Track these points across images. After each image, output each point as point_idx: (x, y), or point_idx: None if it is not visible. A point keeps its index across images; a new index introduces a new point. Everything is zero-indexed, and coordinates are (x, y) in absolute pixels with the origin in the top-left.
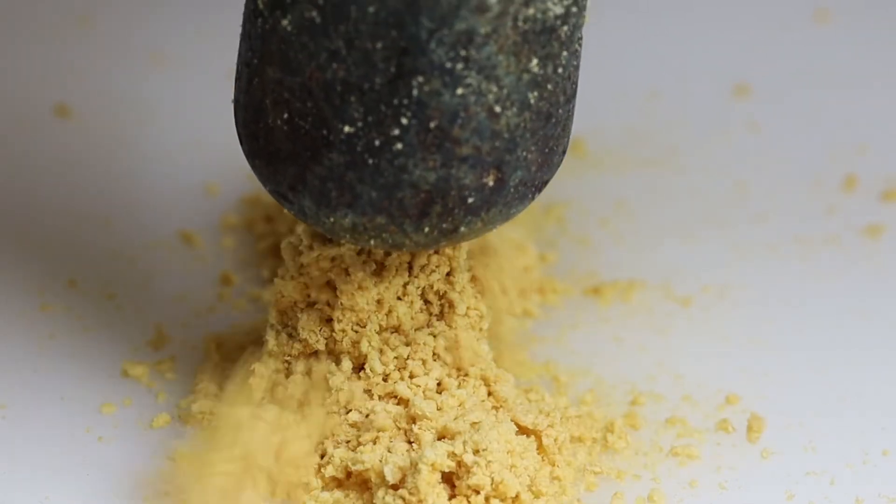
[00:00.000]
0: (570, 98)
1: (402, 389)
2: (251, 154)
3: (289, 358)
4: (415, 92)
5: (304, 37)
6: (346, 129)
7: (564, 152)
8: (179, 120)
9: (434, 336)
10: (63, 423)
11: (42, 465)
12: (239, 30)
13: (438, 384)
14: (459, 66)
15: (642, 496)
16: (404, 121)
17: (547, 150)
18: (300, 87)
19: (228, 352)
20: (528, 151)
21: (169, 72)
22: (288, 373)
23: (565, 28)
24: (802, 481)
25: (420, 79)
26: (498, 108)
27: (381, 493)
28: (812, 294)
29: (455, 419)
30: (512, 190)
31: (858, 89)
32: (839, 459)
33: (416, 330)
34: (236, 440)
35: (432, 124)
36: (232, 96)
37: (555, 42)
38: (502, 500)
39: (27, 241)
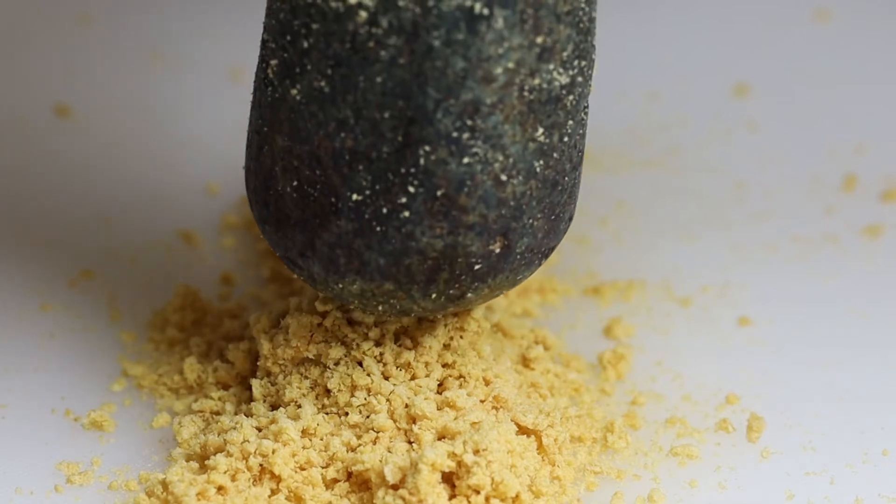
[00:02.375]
0: (577, 165)
1: (402, 390)
2: (261, 220)
3: (283, 362)
4: (422, 161)
5: (313, 106)
6: (355, 196)
7: (571, 219)
8: (179, 120)
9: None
10: (63, 424)
11: (41, 465)
12: (238, 29)
13: (440, 385)
14: (466, 135)
15: (642, 496)
16: (411, 189)
17: (553, 217)
18: (309, 156)
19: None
20: (535, 219)
21: (169, 72)
22: (284, 376)
23: (571, 97)
24: (802, 481)
25: (427, 148)
26: (504, 177)
27: (381, 493)
28: (812, 294)
29: (455, 419)
30: (518, 257)
31: (858, 89)
32: (839, 459)
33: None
34: (235, 440)
35: (439, 192)
36: (232, 97)
37: (560, 111)
38: (502, 500)
39: (27, 241)
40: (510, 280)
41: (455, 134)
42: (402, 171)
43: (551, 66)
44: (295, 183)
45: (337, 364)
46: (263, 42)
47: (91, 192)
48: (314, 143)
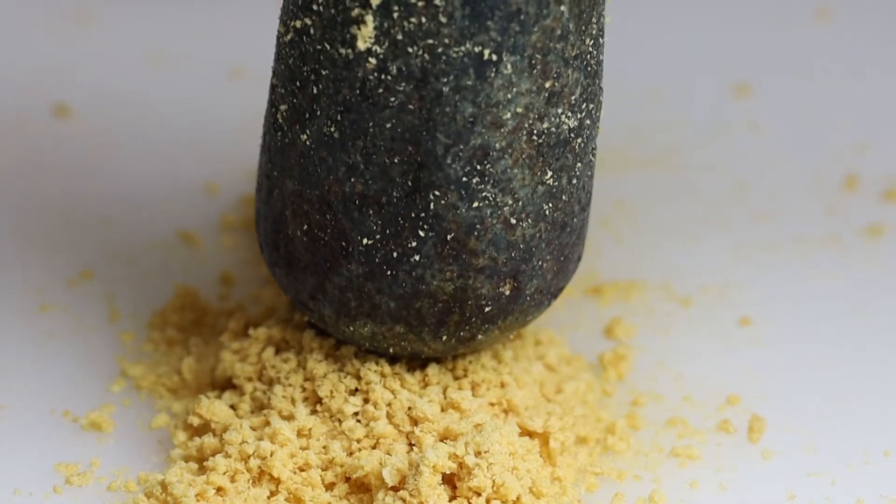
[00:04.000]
0: (585, 207)
1: (405, 395)
2: (272, 263)
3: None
4: (432, 205)
5: (323, 151)
6: (365, 241)
7: (580, 259)
8: (179, 120)
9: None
10: (62, 424)
11: (40, 466)
12: (238, 29)
13: (444, 389)
14: (475, 180)
15: (643, 497)
16: (422, 233)
17: (562, 259)
18: (319, 200)
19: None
20: (544, 261)
21: (169, 72)
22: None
23: (579, 140)
24: (803, 482)
25: (436, 193)
26: (514, 220)
27: (380, 495)
28: (813, 294)
29: (458, 421)
30: (528, 298)
31: (859, 88)
32: (840, 460)
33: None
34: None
35: (449, 236)
36: (232, 97)
37: (569, 154)
38: (503, 502)
39: (27, 241)
40: (520, 321)
41: (465, 179)
42: (413, 215)
43: (560, 110)
44: (305, 227)
45: (325, 376)
46: (272, 87)
47: (90, 192)
48: (324, 188)
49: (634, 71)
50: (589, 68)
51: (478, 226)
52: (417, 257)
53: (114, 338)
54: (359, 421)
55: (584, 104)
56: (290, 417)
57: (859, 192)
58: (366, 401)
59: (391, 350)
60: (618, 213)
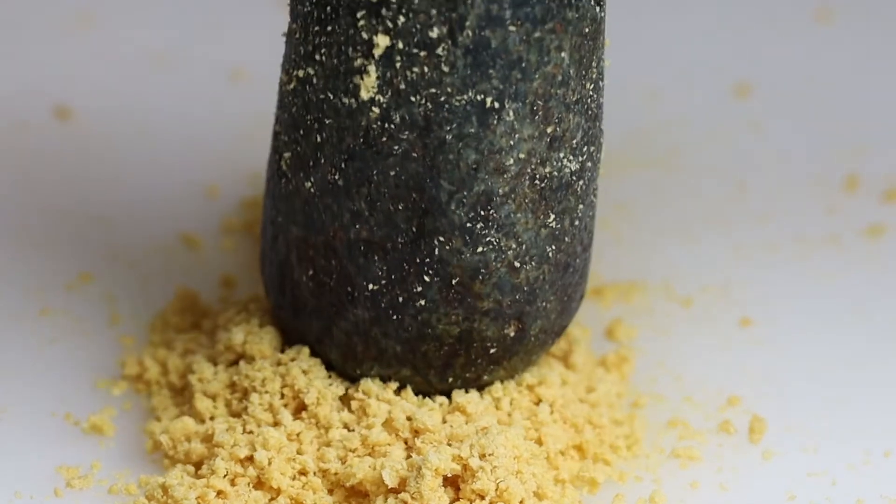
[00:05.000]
0: (587, 247)
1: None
2: (277, 306)
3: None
4: (436, 251)
5: (328, 198)
6: (370, 286)
7: (582, 297)
8: (180, 122)
9: None
10: (62, 427)
11: (41, 469)
12: (240, 31)
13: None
14: (479, 225)
15: (644, 498)
16: (427, 278)
17: (566, 299)
18: (324, 246)
19: None
20: (548, 301)
21: (169, 73)
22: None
23: (581, 182)
24: (804, 482)
25: (441, 238)
26: (517, 263)
27: (380, 500)
28: (814, 294)
29: (462, 425)
30: (532, 338)
31: (860, 89)
32: (841, 460)
33: None
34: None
35: (454, 281)
36: (234, 100)
37: (571, 196)
38: None
39: (27, 243)
40: (525, 361)
41: (469, 224)
42: (417, 260)
43: (561, 154)
44: (310, 272)
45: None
46: (276, 134)
47: (91, 195)
48: (329, 234)
49: (634, 71)
50: (589, 112)
51: (482, 270)
52: (423, 302)
53: (114, 340)
54: (350, 430)
55: (586, 147)
56: (276, 424)
57: (860, 192)
58: (362, 409)
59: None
60: (618, 214)
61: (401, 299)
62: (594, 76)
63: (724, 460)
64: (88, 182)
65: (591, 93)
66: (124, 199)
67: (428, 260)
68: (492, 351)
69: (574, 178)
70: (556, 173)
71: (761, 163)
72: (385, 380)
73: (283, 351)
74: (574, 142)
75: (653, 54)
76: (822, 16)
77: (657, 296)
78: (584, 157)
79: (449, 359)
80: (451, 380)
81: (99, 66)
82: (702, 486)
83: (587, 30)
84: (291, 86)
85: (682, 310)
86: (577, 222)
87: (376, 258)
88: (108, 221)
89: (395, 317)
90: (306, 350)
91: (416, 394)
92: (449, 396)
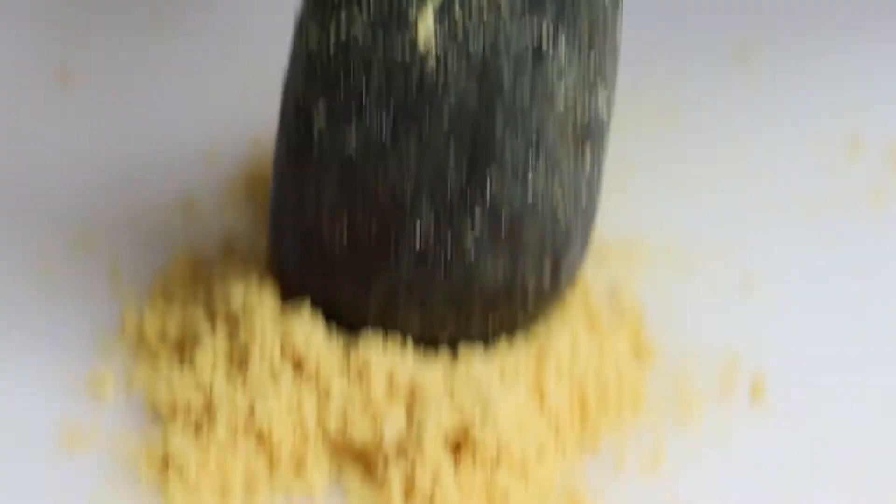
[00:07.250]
0: (598, 196)
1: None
2: (301, 276)
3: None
4: (488, 188)
5: (371, 154)
6: (418, 236)
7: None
8: (183, 86)
9: None
10: (65, 387)
11: (43, 429)
12: None
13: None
14: (532, 162)
15: (646, 459)
16: (477, 216)
17: (585, 247)
18: (364, 201)
19: None
20: (577, 247)
21: (172, 37)
22: None
23: (607, 133)
24: (806, 442)
25: (493, 174)
26: (560, 206)
27: (380, 457)
28: (817, 255)
29: (464, 384)
30: (563, 282)
31: (863, 49)
32: (845, 421)
33: None
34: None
35: (504, 219)
36: (239, 61)
37: (600, 143)
38: (508, 465)
39: (29, 206)
40: (554, 306)
41: (521, 164)
42: (468, 200)
43: (598, 100)
44: (347, 231)
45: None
46: (299, 98)
47: (92, 159)
48: (371, 188)
49: (635, 32)
50: (615, 59)
51: (530, 209)
52: (470, 244)
53: (116, 302)
54: (351, 388)
55: (611, 100)
56: (275, 381)
57: (863, 153)
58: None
59: (437, 339)
60: (619, 174)
61: (449, 244)
62: (619, 25)
63: (726, 419)
64: (89, 146)
65: (617, 41)
66: (126, 163)
67: (480, 198)
68: (530, 296)
69: (604, 126)
70: (592, 117)
71: (763, 123)
72: (426, 326)
73: (282, 308)
74: (607, 93)
75: (655, 13)
76: None
77: (659, 257)
78: (610, 108)
79: (491, 305)
80: (491, 329)
81: (101, 30)
82: (703, 445)
83: None
84: (324, 44)
85: (683, 269)
86: (601, 168)
87: (423, 206)
88: (109, 186)
89: (441, 263)
90: (307, 306)
91: (453, 340)
92: (454, 353)
